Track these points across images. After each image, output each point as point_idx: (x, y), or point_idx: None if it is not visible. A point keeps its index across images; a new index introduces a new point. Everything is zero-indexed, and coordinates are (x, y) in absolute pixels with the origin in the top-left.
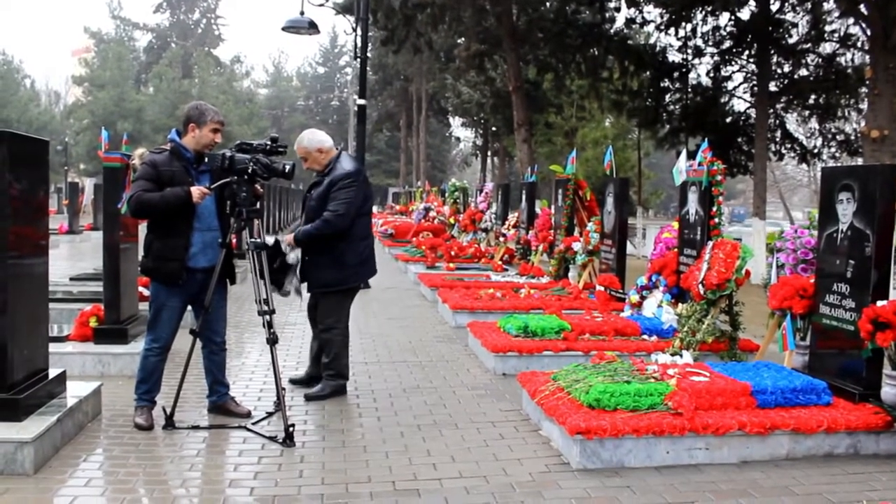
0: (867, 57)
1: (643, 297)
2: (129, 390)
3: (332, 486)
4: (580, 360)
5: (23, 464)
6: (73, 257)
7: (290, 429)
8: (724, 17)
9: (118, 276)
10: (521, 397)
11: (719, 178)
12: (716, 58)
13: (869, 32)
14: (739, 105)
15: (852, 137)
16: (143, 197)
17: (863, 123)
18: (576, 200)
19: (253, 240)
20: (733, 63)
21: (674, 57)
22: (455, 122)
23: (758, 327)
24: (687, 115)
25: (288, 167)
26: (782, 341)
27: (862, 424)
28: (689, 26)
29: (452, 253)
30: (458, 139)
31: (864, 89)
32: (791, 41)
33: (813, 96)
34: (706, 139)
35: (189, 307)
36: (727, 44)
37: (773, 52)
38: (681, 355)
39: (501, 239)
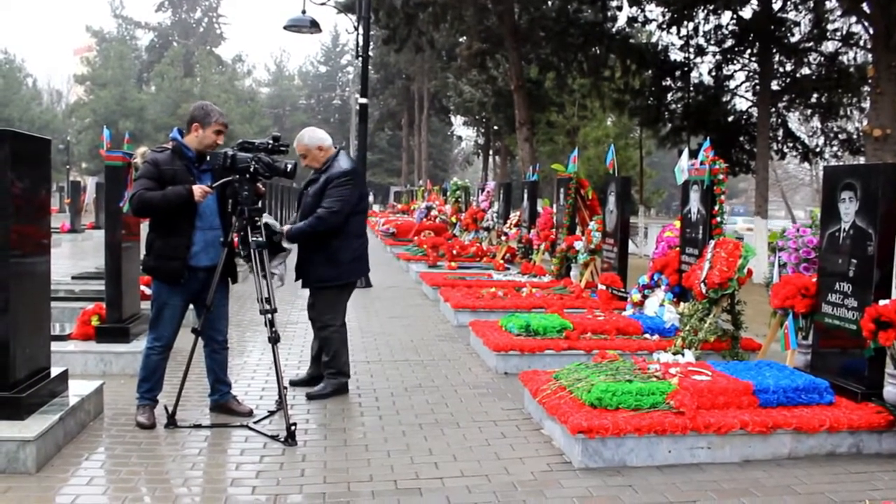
0: (869, 56)
1: (645, 296)
2: (131, 389)
3: (333, 485)
4: (582, 359)
5: (25, 462)
6: (74, 256)
7: (292, 428)
8: (726, 16)
9: (120, 274)
10: (523, 396)
11: (721, 176)
12: (718, 56)
13: (871, 31)
14: (741, 104)
15: (854, 136)
16: (144, 196)
17: (865, 122)
18: (577, 199)
19: (254, 238)
20: (735, 62)
21: (676, 56)
22: (457, 120)
23: (760, 326)
24: (689, 114)
25: (290, 166)
26: (784, 340)
27: (864, 424)
28: (690, 25)
29: (454, 252)
30: (459, 138)
31: (866, 88)
32: (793, 40)
33: (815, 95)
34: (708, 138)
35: (191, 306)
36: (729, 42)
37: (775, 50)
38: (683, 354)
39: (503, 238)
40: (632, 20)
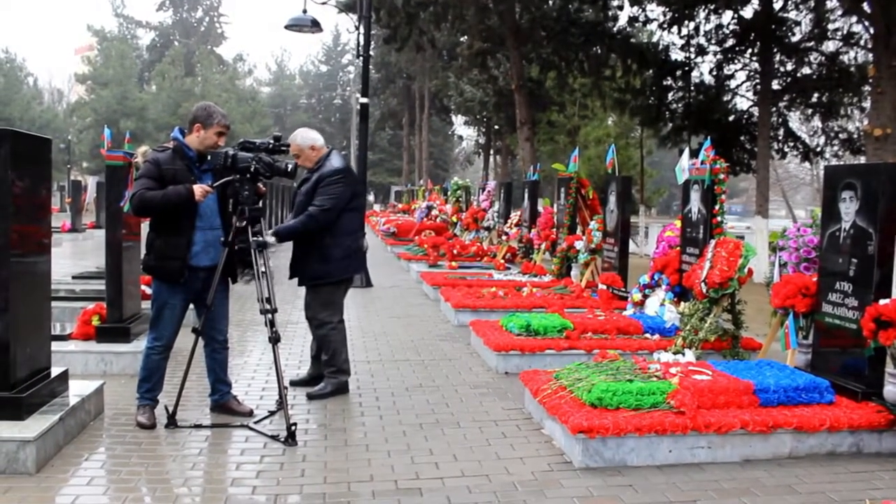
0: (870, 55)
1: (645, 296)
2: (132, 389)
3: (334, 485)
4: (582, 359)
5: (25, 463)
6: (75, 255)
7: (292, 428)
8: (727, 16)
9: (120, 274)
10: (524, 396)
11: (722, 176)
12: (718, 56)
13: (872, 31)
14: (742, 103)
15: (855, 136)
16: (145, 195)
17: (866, 122)
18: (578, 199)
19: (255, 238)
20: (736, 61)
21: (676, 55)
22: (457, 120)
23: (760, 326)
24: (689, 114)
25: (290, 166)
26: (785, 340)
27: (864, 423)
28: (691, 24)
29: (455, 251)
30: (460, 137)
31: (867, 88)
32: (794, 39)
33: (816, 95)
34: (709, 137)
35: (191, 306)
36: (730, 42)
37: (775, 50)
38: (683, 354)
39: (504, 237)
40: (633, 20)
